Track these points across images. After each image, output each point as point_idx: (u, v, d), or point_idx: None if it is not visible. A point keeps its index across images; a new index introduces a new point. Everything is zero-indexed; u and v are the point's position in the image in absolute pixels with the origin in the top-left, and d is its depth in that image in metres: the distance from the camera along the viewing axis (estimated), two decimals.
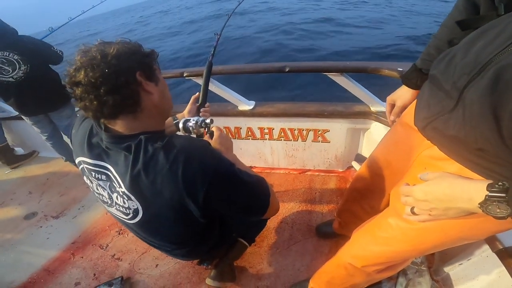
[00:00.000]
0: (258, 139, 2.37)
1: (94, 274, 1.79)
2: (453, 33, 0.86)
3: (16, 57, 2.18)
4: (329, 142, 2.22)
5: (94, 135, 0.89)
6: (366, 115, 1.97)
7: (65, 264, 1.89)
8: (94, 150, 0.88)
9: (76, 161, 0.97)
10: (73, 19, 2.96)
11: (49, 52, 2.35)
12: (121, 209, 0.94)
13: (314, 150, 2.32)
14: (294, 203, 2.12)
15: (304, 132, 2.22)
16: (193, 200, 0.83)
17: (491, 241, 1.15)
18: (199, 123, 1.18)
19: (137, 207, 0.88)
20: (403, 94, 1.12)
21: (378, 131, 1.99)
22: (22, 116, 2.57)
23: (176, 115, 1.40)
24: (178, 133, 1.23)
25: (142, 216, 0.91)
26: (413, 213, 0.77)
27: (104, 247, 1.97)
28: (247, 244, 1.58)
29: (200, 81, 2.10)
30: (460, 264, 1.39)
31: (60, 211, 2.39)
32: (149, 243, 1.16)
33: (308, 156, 2.37)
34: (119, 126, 0.84)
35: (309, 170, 2.45)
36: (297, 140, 2.29)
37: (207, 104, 1.42)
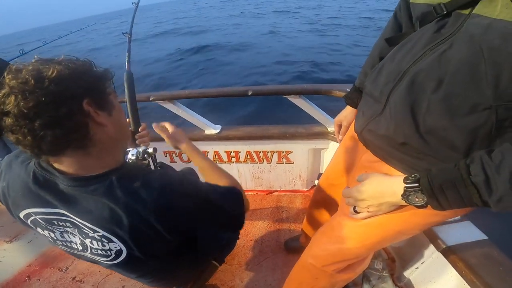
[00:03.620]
0: (225, 162, 2.42)
1: None
2: (382, 52, 1.02)
3: None
4: (293, 163, 2.33)
5: (41, 181, 0.72)
6: (324, 135, 2.11)
7: (20, 286, 1.77)
8: (46, 198, 0.72)
9: (22, 215, 0.79)
10: (47, 43, 2.85)
11: None
12: (100, 252, 0.81)
13: (279, 171, 2.41)
14: (263, 222, 2.17)
15: (269, 154, 2.31)
16: (179, 233, 0.80)
17: (435, 241, 1.27)
18: (140, 156, 1.00)
19: (120, 248, 0.77)
20: (348, 114, 1.25)
21: (335, 150, 2.12)
22: None
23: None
24: None
25: (126, 255, 0.80)
26: (356, 211, 0.88)
27: (63, 270, 1.86)
28: (218, 264, 1.58)
29: (166, 105, 2.13)
30: (417, 268, 1.49)
31: (14, 236, 2.20)
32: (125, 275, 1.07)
33: (274, 177, 2.46)
34: (67, 164, 0.69)
35: (276, 190, 2.53)
36: (262, 162, 2.38)
37: (142, 126, 1.20)
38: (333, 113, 2.07)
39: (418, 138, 0.70)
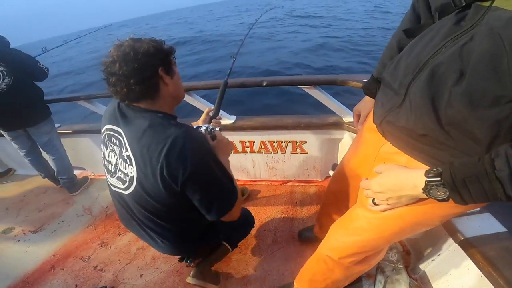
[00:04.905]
0: (240, 152, 2.44)
1: (76, 285, 1.76)
2: (401, 43, 1.00)
3: (2, 69, 2.16)
4: (307, 153, 2.33)
5: (120, 107, 1.06)
6: (339, 125, 2.09)
7: (45, 275, 1.86)
8: (118, 119, 1.04)
9: (103, 129, 1.14)
10: (68, 42, 2.98)
11: (35, 68, 2.34)
12: (122, 175, 1.08)
13: (293, 161, 2.41)
14: (276, 212, 2.19)
15: (283, 144, 2.31)
16: (174, 181, 0.98)
17: (453, 233, 1.24)
18: (209, 130, 1.33)
19: (133, 175, 1.02)
20: (366, 104, 1.25)
21: (350, 141, 2.10)
22: (1, 131, 2.52)
23: (192, 123, 1.48)
24: None
25: (135, 185, 1.04)
26: (375, 203, 0.88)
27: (86, 259, 1.95)
28: (230, 248, 1.63)
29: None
30: (433, 260, 1.47)
31: (39, 226, 2.34)
32: (138, 228, 1.24)
33: (288, 167, 2.46)
34: (141, 106, 1.02)
35: (290, 181, 2.53)
36: (277, 152, 2.38)
37: (219, 116, 1.57)
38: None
39: (440, 130, 0.69)
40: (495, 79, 0.57)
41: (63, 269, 1.89)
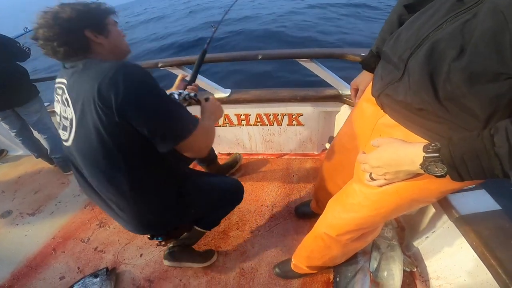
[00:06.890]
0: (235, 125, 2.41)
1: (78, 268, 1.79)
2: (401, 18, 0.97)
3: None
4: (303, 126, 2.30)
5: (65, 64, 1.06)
6: (335, 98, 2.06)
7: (47, 259, 1.89)
8: (63, 72, 1.06)
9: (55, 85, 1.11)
10: None
11: (15, 48, 2.28)
12: (64, 122, 1.05)
13: (289, 134, 2.39)
14: (273, 187, 2.20)
15: (279, 117, 2.28)
16: (108, 109, 0.89)
17: (448, 210, 1.24)
18: (183, 95, 1.29)
19: (72, 117, 0.99)
20: (365, 78, 1.23)
21: (348, 113, 2.06)
22: None
23: (166, 91, 1.33)
24: None
25: (75, 130, 0.99)
26: (372, 178, 0.87)
27: (85, 241, 1.97)
28: (203, 230, 1.62)
29: (175, 71, 2.13)
30: (426, 237, 1.48)
31: (36, 208, 2.35)
32: (96, 197, 1.16)
33: (284, 140, 2.44)
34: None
35: (286, 154, 2.52)
36: (273, 125, 2.36)
37: (195, 83, 1.53)
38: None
39: (437, 104, 0.68)
40: (496, 55, 0.56)
41: (64, 252, 1.92)
